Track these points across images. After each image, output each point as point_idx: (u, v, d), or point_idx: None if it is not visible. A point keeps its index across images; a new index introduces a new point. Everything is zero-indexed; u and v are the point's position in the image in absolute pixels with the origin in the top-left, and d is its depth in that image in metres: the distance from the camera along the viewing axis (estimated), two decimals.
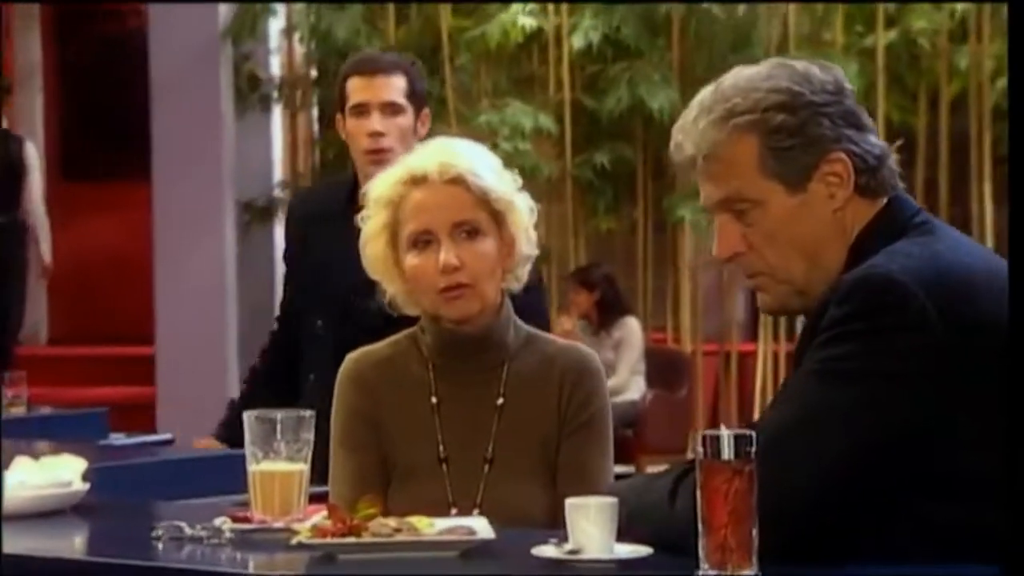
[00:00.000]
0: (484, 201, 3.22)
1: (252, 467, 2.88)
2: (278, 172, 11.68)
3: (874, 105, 10.60)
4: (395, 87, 4.59)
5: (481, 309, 3.24)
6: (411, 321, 3.48)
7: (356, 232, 3.62)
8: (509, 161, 3.44)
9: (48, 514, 3.13)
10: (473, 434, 3.25)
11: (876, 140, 2.67)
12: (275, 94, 11.49)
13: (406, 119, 4.59)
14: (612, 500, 2.57)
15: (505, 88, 11.07)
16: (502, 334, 3.29)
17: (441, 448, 3.25)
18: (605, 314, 10.45)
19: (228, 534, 2.80)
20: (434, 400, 3.28)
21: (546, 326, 3.84)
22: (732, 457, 2.30)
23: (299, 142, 11.63)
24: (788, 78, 2.64)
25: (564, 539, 2.57)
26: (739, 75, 2.67)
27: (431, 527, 2.70)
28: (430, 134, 4.35)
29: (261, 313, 11.31)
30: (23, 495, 3.12)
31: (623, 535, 2.53)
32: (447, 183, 3.21)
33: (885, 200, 2.66)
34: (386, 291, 3.31)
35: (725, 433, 2.31)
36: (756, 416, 7.26)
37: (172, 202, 10.76)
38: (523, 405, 3.26)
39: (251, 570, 2.70)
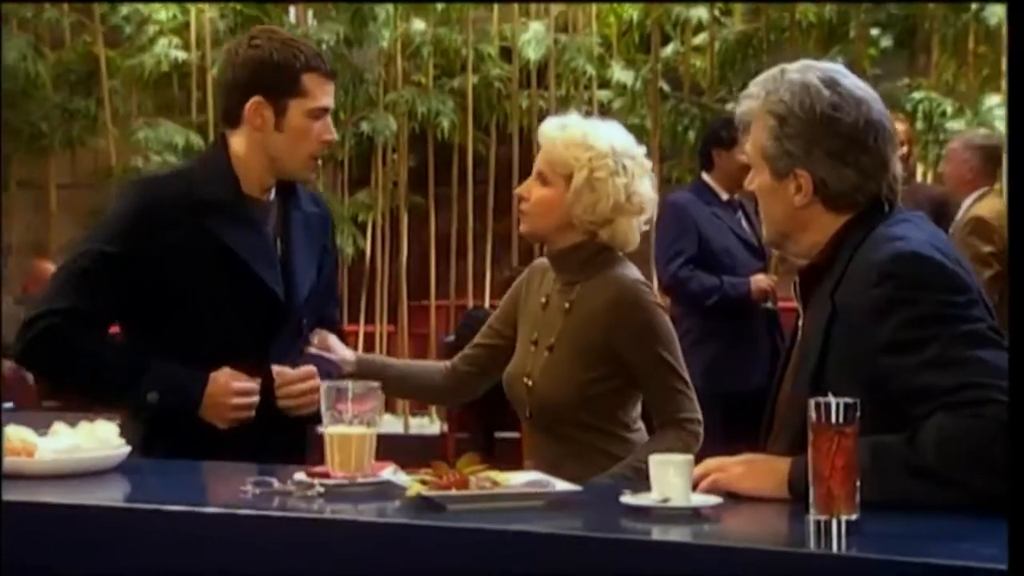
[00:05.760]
0: (551, 162, 3.53)
1: (330, 430, 2.70)
2: None
3: (464, 138, 10.69)
4: None
5: (531, 234, 3.62)
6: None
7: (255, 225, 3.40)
8: None
9: (98, 473, 2.86)
10: (549, 327, 3.55)
11: (851, 174, 2.65)
12: None
13: None
14: (691, 457, 2.53)
15: (152, 110, 10.72)
16: (573, 261, 3.55)
17: (535, 333, 3.58)
18: None
19: (319, 488, 2.62)
20: (543, 299, 3.61)
21: None
22: (840, 421, 2.29)
23: None
24: (803, 95, 2.65)
25: (642, 491, 2.50)
26: (794, 71, 2.69)
27: (508, 481, 2.59)
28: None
29: None
30: (83, 456, 2.86)
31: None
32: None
33: (861, 209, 2.68)
34: None
35: (834, 401, 2.29)
36: None
37: None
38: (582, 315, 3.50)
39: (370, 517, 2.51)
